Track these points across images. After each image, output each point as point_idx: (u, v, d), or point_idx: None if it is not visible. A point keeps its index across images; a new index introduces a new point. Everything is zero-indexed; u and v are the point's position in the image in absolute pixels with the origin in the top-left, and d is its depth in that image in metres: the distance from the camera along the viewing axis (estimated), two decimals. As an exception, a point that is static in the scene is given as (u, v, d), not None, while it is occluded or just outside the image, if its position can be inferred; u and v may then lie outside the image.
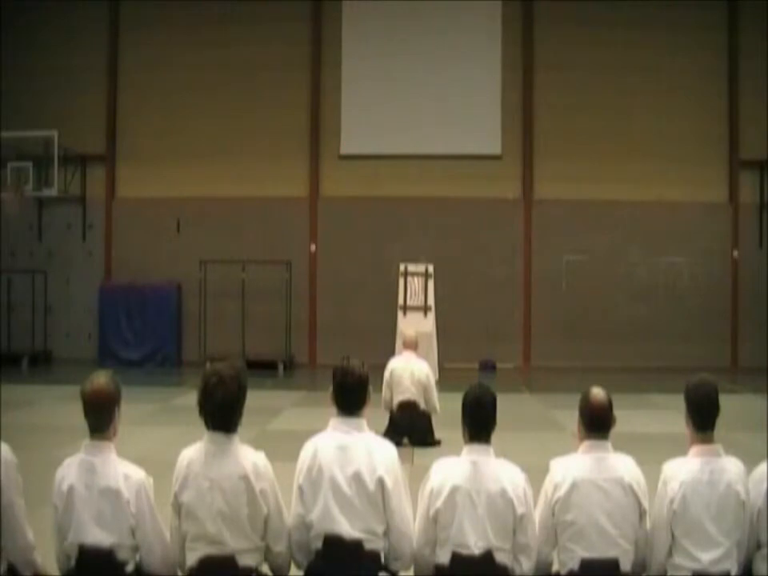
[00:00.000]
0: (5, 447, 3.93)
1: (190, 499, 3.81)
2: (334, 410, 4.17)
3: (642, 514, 4.05)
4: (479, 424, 4.08)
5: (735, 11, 18.82)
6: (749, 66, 18.66)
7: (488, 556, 3.89)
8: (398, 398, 9.58)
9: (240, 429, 3.94)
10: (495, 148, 19.10)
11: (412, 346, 10.06)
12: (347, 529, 3.88)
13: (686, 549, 3.95)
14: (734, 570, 3.94)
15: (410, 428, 9.47)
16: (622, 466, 4.09)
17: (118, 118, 19.57)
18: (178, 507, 3.87)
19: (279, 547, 3.96)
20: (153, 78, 19.33)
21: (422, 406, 9.62)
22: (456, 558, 3.91)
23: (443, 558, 3.96)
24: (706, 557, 3.90)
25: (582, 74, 18.90)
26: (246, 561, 3.81)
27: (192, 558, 3.82)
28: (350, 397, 4.09)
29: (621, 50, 18.82)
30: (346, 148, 19.28)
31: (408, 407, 9.51)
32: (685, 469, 4.06)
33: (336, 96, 19.26)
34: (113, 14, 19.47)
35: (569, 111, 18.95)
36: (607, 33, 18.85)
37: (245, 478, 3.79)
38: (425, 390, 9.66)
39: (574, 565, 3.95)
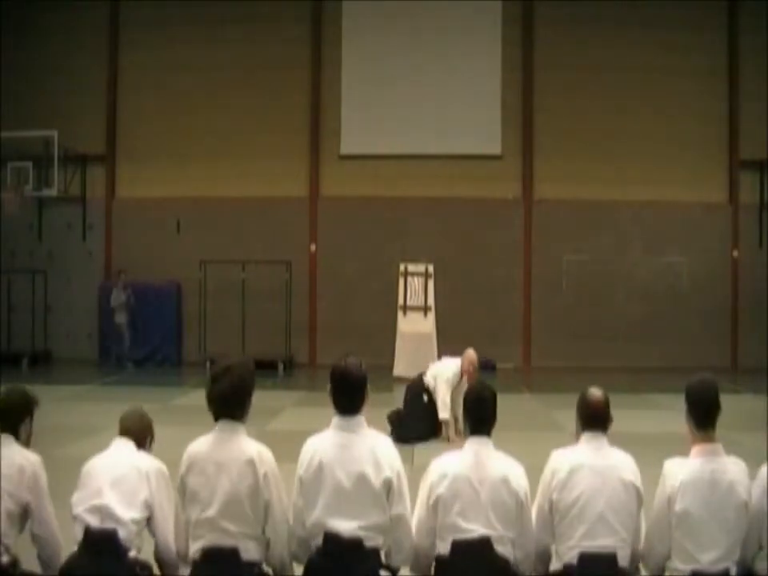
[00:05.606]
0: (35, 457, 4.14)
1: (196, 482, 3.86)
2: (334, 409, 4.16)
3: (639, 504, 4.07)
4: (480, 418, 4.21)
5: (735, 11, 18.81)
6: (749, 66, 18.65)
7: (486, 541, 3.91)
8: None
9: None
10: (495, 148, 19.09)
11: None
12: (347, 527, 3.87)
13: (686, 549, 3.93)
14: (732, 570, 3.92)
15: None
16: (621, 457, 4.15)
17: (117, 118, 19.57)
18: (183, 491, 3.92)
19: (279, 547, 3.97)
20: (153, 77, 19.32)
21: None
22: (456, 544, 3.93)
23: (443, 549, 3.98)
24: (705, 557, 3.88)
25: (582, 74, 18.89)
26: (249, 555, 3.84)
27: (196, 548, 3.86)
28: (349, 396, 4.08)
29: (620, 50, 18.81)
30: (345, 148, 19.27)
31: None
32: (686, 468, 4.03)
33: (336, 96, 19.25)
34: (113, 14, 19.47)
35: (569, 111, 18.95)
36: (607, 33, 18.85)
37: (250, 462, 3.85)
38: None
39: (572, 559, 3.94)
